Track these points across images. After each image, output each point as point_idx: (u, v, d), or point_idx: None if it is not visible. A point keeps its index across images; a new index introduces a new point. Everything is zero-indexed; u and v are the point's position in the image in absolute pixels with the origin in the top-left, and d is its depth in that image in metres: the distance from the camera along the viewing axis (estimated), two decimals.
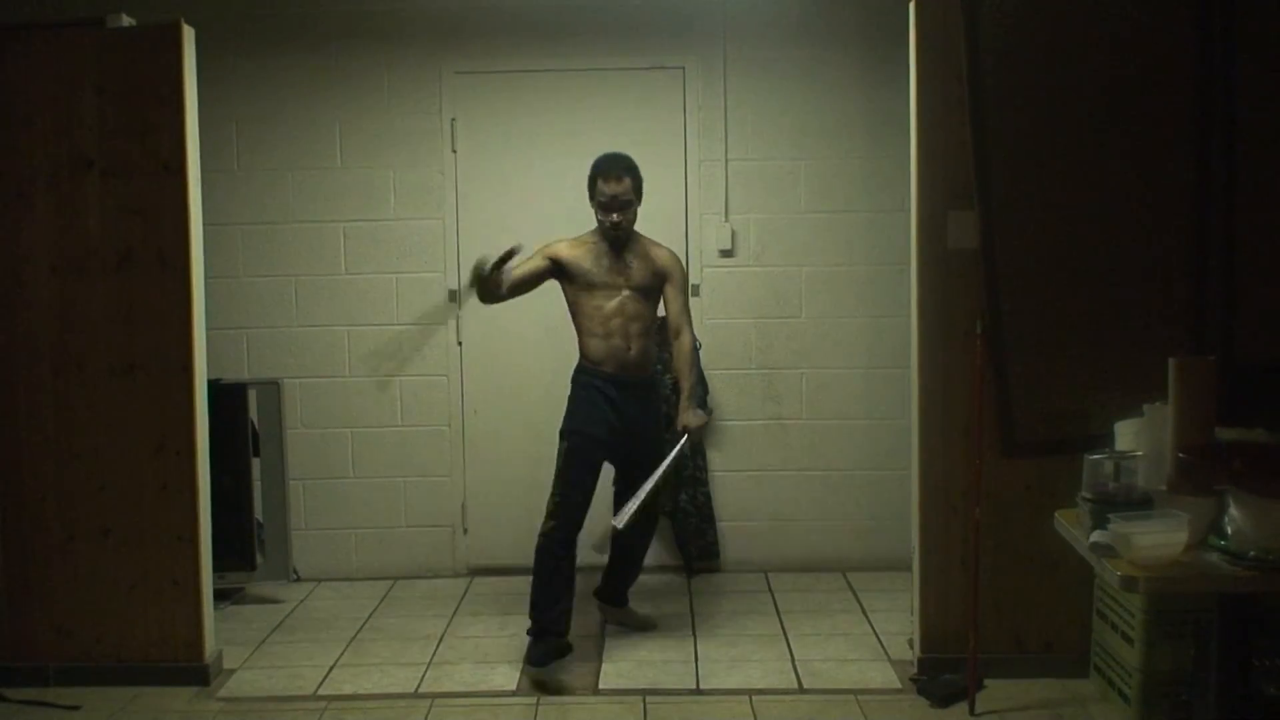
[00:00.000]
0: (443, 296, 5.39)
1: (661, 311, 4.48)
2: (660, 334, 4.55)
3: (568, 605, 4.27)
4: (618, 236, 4.32)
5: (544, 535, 4.26)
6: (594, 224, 4.36)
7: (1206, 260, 3.76)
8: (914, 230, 4.03)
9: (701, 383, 5.29)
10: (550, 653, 4.15)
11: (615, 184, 4.27)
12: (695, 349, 4.68)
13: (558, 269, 4.34)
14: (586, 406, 4.33)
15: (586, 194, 4.35)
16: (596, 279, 4.31)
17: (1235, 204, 3.73)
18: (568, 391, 4.41)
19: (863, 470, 5.42)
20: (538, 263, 4.32)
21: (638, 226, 4.41)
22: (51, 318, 4.08)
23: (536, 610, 4.24)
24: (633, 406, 4.37)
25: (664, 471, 4.31)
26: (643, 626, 4.68)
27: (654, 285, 4.39)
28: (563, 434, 4.33)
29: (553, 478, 4.30)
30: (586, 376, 4.36)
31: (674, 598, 5.09)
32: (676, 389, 5.22)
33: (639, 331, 4.35)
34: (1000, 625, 4.02)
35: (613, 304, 4.31)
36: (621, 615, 4.71)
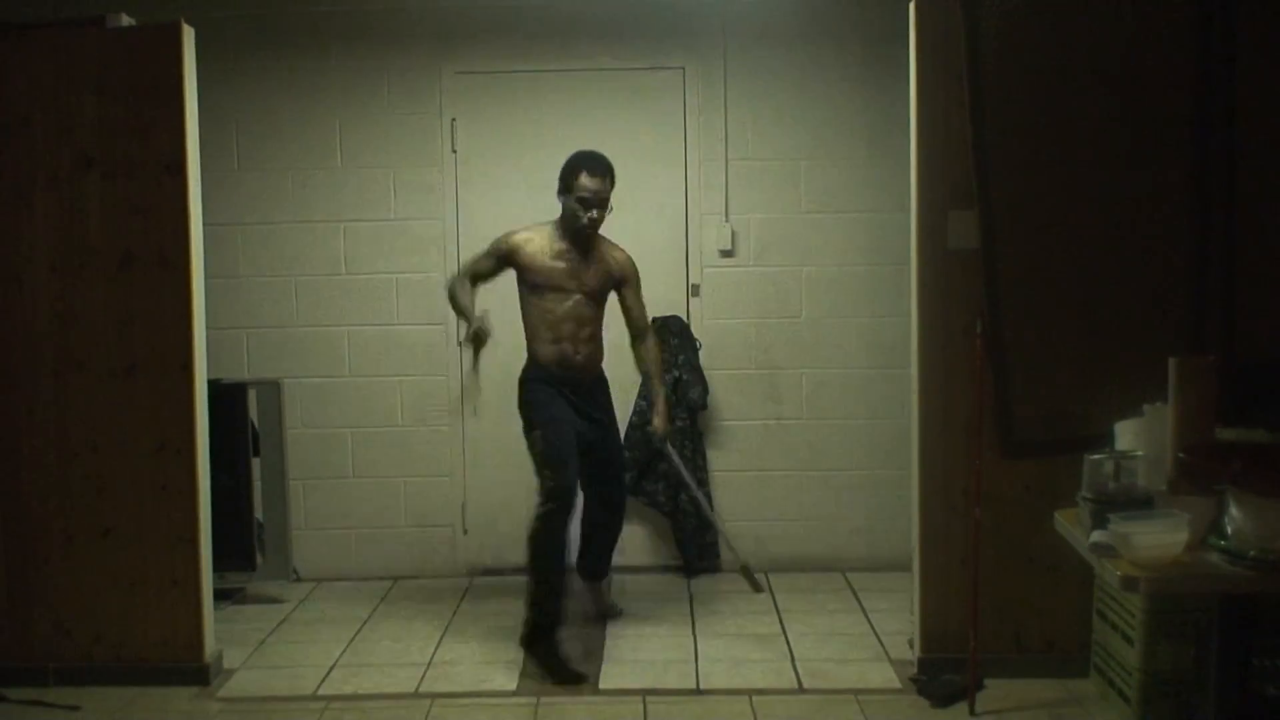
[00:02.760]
0: (443, 297, 5.37)
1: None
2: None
3: (564, 597, 4.26)
4: (585, 236, 4.29)
5: (542, 518, 4.15)
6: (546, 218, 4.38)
7: (1206, 260, 3.76)
8: (914, 230, 4.02)
9: (701, 382, 5.30)
10: (562, 658, 4.15)
11: (599, 180, 4.24)
12: (659, 350, 4.71)
13: (512, 263, 4.33)
14: (548, 399, 4.31)
15: (559, 186, 4.32)
16: (551, 280, 4.27)
17: (1235, 204, 3.73)
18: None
19: (863, 470, 5.42)
20: (493, 264, 4.36)
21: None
22: (51, 318, 4.07)
23: (544, 602, 4.15)
24: (586, 402, 4.39)
25: (687, 477, 4.73)
26: (606, 613, 4.74)
27: (606, 289, 4.41)
28: (534, 424, 4.29)
29: (537, 469, 4.25)
30: (540, 372, 4.34)
31: (674, 598, 5.09)
32: (679, 386, 5.26)
33: (588, 336, 4.36)
34: (1000, 625, 4.02)
35: (564, 308, 4.29)
36: (593, 591, 4.76)
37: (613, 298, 4.50)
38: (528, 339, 4.38)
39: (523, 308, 4.37)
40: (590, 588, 4.77)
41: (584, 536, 4.68)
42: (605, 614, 4.75)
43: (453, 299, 4.38)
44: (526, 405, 4.35)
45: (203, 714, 3.94)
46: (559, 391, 4.33)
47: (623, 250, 4.46)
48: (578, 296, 4.30)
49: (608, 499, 4.60)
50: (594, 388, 4.45)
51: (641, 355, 4.58)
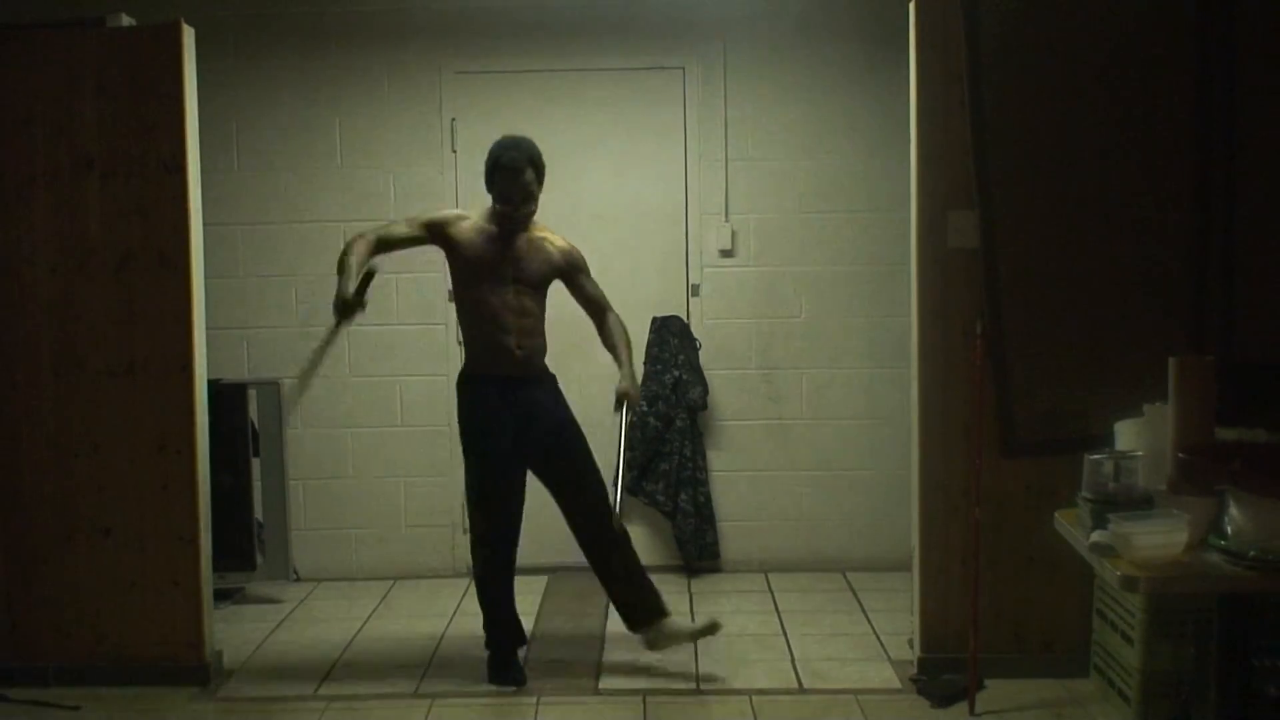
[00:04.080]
0: (443, 296, 5.39)
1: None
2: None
3: (515, 615, 4.23)
4: (515, 226, 4.02)
5: (484, 564, 4.12)
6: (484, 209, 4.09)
7: (1206, 260, 3.76)
8: (914, 230, 4.02)
9: (701, 382, 5.30)
10: (517, 669, 4.16)
11: (514, 173, 3.96)
12: (623, 323, 4.23)
13: (439, 241, 4.02)
14: (482, 420, 4.01)
15: (485, 179, 4.08)
16: (484, 269, 3.98)
17: (1235, 204, 3.73)
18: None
19: (863, 470, 5.42)
20: (409, 230, 4.02)
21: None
22: (51, 318, 4.07)
23: (500, 639, 4.19)
24: (532, 404, 4.05)
25: (623, 447, 4.12)
26: (704, 633, 4.19)
27: (548, 280, 4.09)
28: (466, 453, 4.06)
29: (467, 502, 4.05)
30: (474, 385, 4.05)
31: (674, 598, 5.07)
32: (679, 386, 5.26)
33: (529, 329, 4.03)
34: (1000, 625, 4.02)
35: (502, 299, 3.98)
36: (668, 630, 4.17)
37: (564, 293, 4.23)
38: (465, 340, 4.11)
39: (457, 306, 4.13)
40: (652, 636, 4.16)
41: (603, 582, 4.20)
42: (704, 634, 4.19)
43: (345, 253, 3.87)
44: (463, 427, 4.07)
45: (203, 714, 3.94)
46: (498, 408, 4.00)
47: (564, 239, 4.16)
48: (516, 286, 3.99)
49: (591, 513, 4.10)
50: (537, 388, 4.09)
51: (608, 333, 4.16)
